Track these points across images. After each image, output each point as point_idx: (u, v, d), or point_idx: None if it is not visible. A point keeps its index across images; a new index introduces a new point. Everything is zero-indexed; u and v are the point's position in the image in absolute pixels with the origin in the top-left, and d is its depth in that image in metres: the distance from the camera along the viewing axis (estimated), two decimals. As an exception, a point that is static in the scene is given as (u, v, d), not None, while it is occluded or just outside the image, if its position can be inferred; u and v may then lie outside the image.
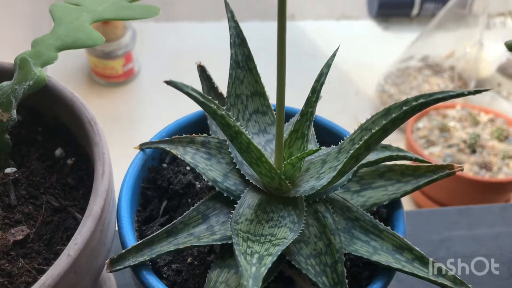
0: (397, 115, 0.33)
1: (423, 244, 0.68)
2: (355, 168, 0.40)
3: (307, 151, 0.37)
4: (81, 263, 0.33)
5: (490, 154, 1.14)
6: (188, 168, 0.48)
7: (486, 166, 1.10)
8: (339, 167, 0.35)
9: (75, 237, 0.33)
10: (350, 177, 0.40)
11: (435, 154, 1.12)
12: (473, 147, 1.15)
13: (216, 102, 0.35)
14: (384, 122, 0.33)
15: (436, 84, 1.53)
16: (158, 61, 1.65)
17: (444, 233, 0.69)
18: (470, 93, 0.31)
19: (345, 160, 0.35)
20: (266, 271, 0.31)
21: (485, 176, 1.10)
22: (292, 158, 0.38)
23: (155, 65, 1.65)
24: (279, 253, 0.33)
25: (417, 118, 1.25)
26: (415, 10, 1.94)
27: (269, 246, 0.34)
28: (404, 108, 0.32)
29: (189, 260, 0.41)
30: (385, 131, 0.33)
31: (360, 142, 0.34)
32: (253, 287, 0.29)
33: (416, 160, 0.43)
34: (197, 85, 0.40)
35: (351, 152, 0.34)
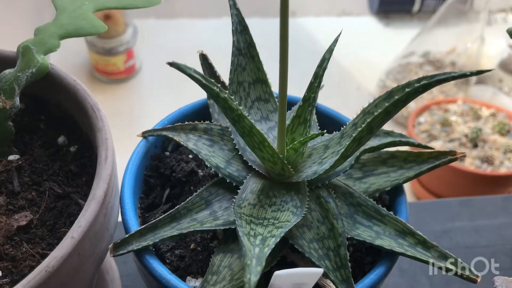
0: (399, 97, 0.33)
1: (425, 235, 0.68)
2: (358, 153, 0.40)
3: (309, 136, 0.37)
4: (84, 246, 0.33)
5: (492, 148, 1.14)
6: (190, 156, 0.48)
7: (487, 160, 1.10)
8: (342, 151, 0.35)
9: (78, 220, 0.33)
10: (353, 162, 0.40)
11: (437, 148, 1.11)
12: (474, 141, 1.15)
13: (219, 85, 0.35)
14: (386, 104, 0.33)
15: (437, 80, 1.52)
16: (159, 58, 1.65)
17: (446, 224, 0.69)
18: (472, 74, 0.31)
19: (347, 143, 0.35)
20: (269, 251, 0.31)
21: (487, 170, 1.10)
22: (295, 143, 0.38)
23: (156, 61, 1.65)
24: (282, 234, 0.33)
25: (419, 113, 1.25)
26: (416, 7, 1.94)
27: (272, 228, 0.34)
28: (407, 90, 0.33)
29: (192, 246, 0.41)
30: (388, 114, 0.33)
31: (363, 125, 0.34)
32: (257, 266, 0.29)
33: (419, 146, 0.43)
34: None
35: (353, 135, 0.34)
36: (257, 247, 0.31)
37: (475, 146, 1.16)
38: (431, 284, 0.62)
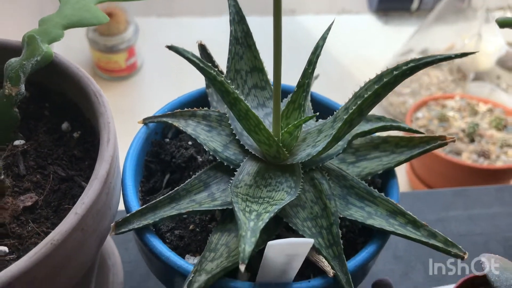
0: (388, 79, 0.34)
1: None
2: (350, 137, 0.41)
3: (303, 118, 0.39)
4: (88, 222, 0.35)
5: (488, 143, 1.16)
6: (189, 143, 0.49)
7: (484, 154, 1.11)
8: (334, 133, 0.37)
9: (82, 197, 0.35)
10: (345, 146, 0.41)
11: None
12: (471, 136, 1.17)
13: (216, 69, 0.36)
14: (376, 87, 0.34)
15: (436, 77, 1.54)
16: (160, 56, 1.67)
17: (441, 213, 0.71)
18: (457, 56, 0.32)
19: (339, 125, 0.36)
20: (263, 225, 0.32)
21: (484, 163, 1.11)
22: (289, 126, 0.40)
23: (157, 59, 1.67)
24: (276, 211, 0.35)
25: (416, 108, 1.27)
26: (415, 4, 1.95)
27: (267, 206, 0.36)
28: (395, 72, 0.34)
29: (191, 227, 0.43)
30: (377, 96, 0.35)
31: (354, 107, 0.35)
32: (251, 238, 0.31)
33: (409, 130, 0.45)
34: (200, 78, 0.42)
35: (345, 117, 0.36)
36: (252, 221, 0.33)
37: (472, 140, 1.17)
38: (425, 270, 0.63)
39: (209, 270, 0.36)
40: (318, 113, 0.41)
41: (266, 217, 0.33)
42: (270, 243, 0.31)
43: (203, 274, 0.35)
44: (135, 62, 1.62)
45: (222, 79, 0.35)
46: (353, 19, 1.96)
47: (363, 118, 0.37)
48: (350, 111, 0.36)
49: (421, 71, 1.61)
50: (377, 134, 0.47)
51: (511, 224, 0.70)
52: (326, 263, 0.37)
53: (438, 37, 1.59)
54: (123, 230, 0.38)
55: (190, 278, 0.35)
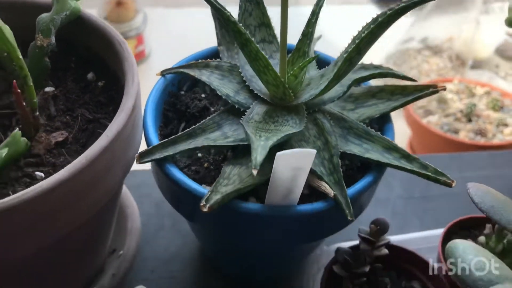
0: (382, 19, 0.39)
1: (416, 182, 0.74)
2: (350, 82, 0.46)
3: (307, 59, 0.43)
4: (115, 147, 0.39)
5: (485, 123, 1.20)
6: (203, 95, 0.54)
7: (481, 133, 1.15)
8: (335, 71, 0.41)
9: (111, 124, 0.39)
10: (346, 90, 0.46)
11: (433, 122, 1.18)
12: (469, 116, 1.21)
13: (229, 11, 0.41)
14: (372, 26, 0.39)
15: (435, 64, 1.58)
16: (167, 45, 1.72)
17: (436, 174, 0.75)
18: None
19: (339, 64, 0.41)
20: (272, 143, 0.37)
21: (480, 141, 1.15)
22: (294, 69, 0.44)
23: (165, 48, 1.72)
24: (284, 135, 0.39)
25: (416, 91, 1.31)
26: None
27: (275, 133, 0.40)
28: (388, 12, 0.39)
29: (205, 165, 0.47)
30: (373, 34, 0.39)
31: (352, 46, 0.40)
32: (262, 151, 0.35)
33: (404, 77, 0.49)
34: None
35: (344, 55, 0.40)
36: (262, 141, 0.37)
37: (469, 120, 1.21)
38: (421, 223, 0.67)
39: (223, 192, 0.40)
40: (319, 53, 0.45)
41: (275, 138, 0.38)
42: (278, 153, 0.36)
43: (218, 194, 0.40)
44: (143, 50, 1.67)
45: (235, 20, 0.40)
46: (355, 9, 2.01)
47: (361, 57, 0.42)
48: (349, 50, 0.40)
49: (420, 59, 1.66)
50: (375, 84, 0.51)
51: (501, 185, 0.74)
52: (327, 187, 0.41)
53: (437, 26, 1.64)
54: (146, 159, 0.43)
55: (207, 196, 0.39)
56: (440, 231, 0.56)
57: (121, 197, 0.61)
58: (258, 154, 0.34)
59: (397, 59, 1.60)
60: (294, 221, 0.42)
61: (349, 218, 0.41)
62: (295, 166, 0.36)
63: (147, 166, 0.50)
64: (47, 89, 0.49)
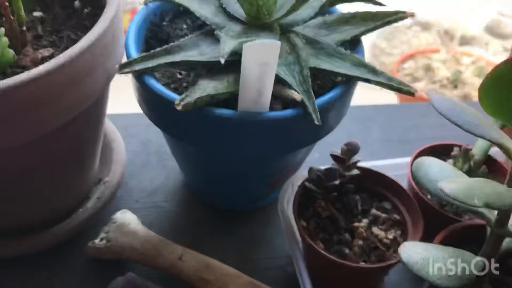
0: None
1: (394, 129, 0.77)
2: (324, 2, 0.48)
3: (279, -24, 0.46)
4: (96, 50, 0.42)
5: (470, 89, 1.22)
6: (184, 26, 0.56)
7: (466, 98, 1.18)
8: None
9: (92, 30, 0.42)
10: (317, 11, 0.48)
11: (420, 88, 1.21)
12: (455, 83, 1.24)
13: None
14: None
15: (425, 39, 1.61)
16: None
17: (415, 120, 0.78)
18: None
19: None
20: (241, 40, 0.39)
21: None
22: (268, -12, 0.47)
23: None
24: (254, 39, 0.42)
25: (403, 60, 1.34)
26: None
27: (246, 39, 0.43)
28: None
29: (184, 84, 0.50)
30: None
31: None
32: (229, 43, 0.38)
33: (375, 2, 0.52)
34: None
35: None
36: (232, 38, 0.40)
37: (455, 87, 1.24)
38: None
39: (197, 95, 0.43)
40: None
41: (244, 39, 0.40)
42: (245, 45, 0.38)
43: (192, 97, 0.42)
44: None
45: None
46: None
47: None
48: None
49: (410, 34, 1.69)
50: (348, 10, 0.54)
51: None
52: (296, 93, 0.44)
53: (428, 2, 1.66)
54: (126, 70, 0.45)
55: (182, 97, 0.42)
56: (410, 159, 0.58)
57: (108, 132, 0.64)
58: (226, 46, 0.37)
59: (388, 34, 1.62)
60: (265, 128, 0.45)
61: (316, 122, 0.43)
62: (262, 61, 0.39)
63: (136, 109, 0.53)
64: (35, 13, 0.51)
